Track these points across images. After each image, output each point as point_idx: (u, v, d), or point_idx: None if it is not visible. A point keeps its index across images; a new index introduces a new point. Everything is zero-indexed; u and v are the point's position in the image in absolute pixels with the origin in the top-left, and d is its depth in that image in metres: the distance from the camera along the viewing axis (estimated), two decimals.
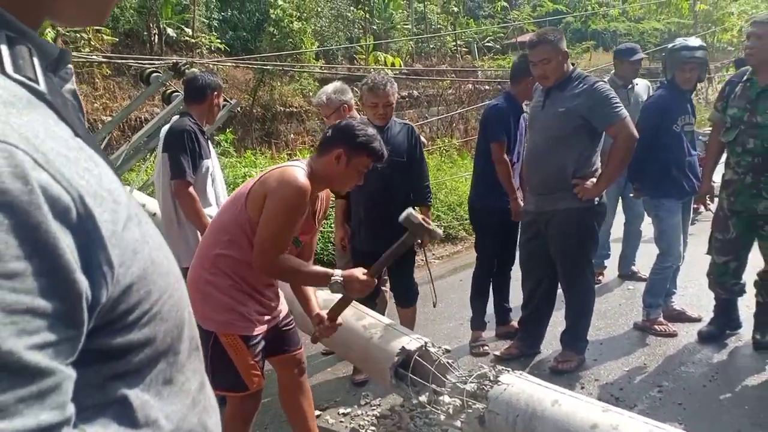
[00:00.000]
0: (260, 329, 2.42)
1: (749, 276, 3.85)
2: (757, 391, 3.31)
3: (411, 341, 3.02)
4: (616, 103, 3.41)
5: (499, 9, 20.15)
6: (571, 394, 2.42)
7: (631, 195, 4.59)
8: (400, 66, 12.99)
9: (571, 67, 3.57)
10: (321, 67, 11.35)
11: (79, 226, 0.48)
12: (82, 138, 0.55)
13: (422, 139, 3.74)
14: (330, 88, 3.86)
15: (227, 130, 8.72)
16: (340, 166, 2.38)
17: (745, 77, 3.61)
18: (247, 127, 9.97)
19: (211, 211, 3.34)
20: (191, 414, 0.58)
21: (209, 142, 3.52)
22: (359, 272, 2.42)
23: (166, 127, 3.54)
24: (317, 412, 3.30)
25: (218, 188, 3.56)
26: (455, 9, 17.10)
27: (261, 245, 2.28)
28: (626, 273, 5.32)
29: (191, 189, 3.25)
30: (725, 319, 3.97)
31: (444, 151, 10.61)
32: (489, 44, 19.35)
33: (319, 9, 11.80)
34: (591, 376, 3.61)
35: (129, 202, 0.55)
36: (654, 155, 3.98)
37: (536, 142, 3.66)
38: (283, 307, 2.63)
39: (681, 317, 4.30)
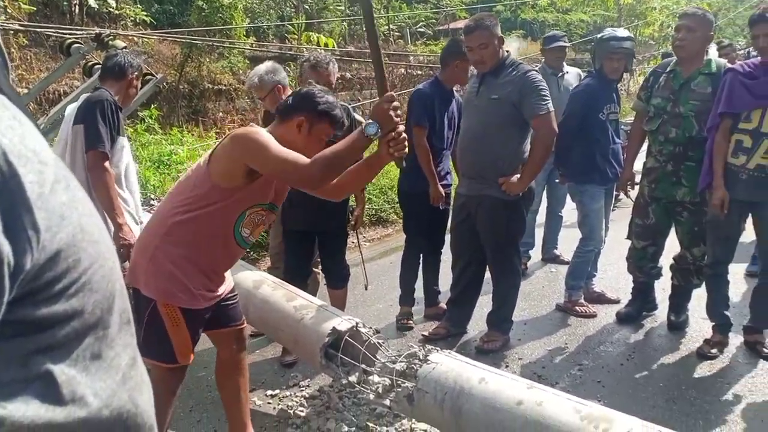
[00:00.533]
0: (203, 305, 2.36)
1: (665, 261, 4.05)
2: (671, 369, 3.50)
3: (342, 322, 3.01)
4: (544, 95, 3.46)
5: None
6: (497, 372, 2.48)
7: (557, 181, 4.73)
8: (333, 47, 12.84)
9: (505, 53, 3.62)
10: (252, 44, 11.08)
11: (2, 185, 0.44)
12: (6, 95, 0.50)
13: (358, 117, 3.71)
14: (262, 68, 3.76)
15: (152, 106, 8.39)
16: (302, 134, 2.34)
17: (669, 68, 3.75)
18: (173, 104, 9.63)
19: (125, 195, 3.25)
20: (121, 390, 0.54)
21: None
22: (384, 102, 2.16)
23: (73, 105, 3.36)
24: None
25: (130, 172, 3.40)
26: None
27: (285, 172, 2.19)
28: (549, 256, 5.50)
29: (107, 163, 3.10)
30: (642, 301, 4.17)
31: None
32: (421, 29, 19.43)
33: None
34: (515, 355, 3.72)
35: (56, 164, 0.50)
36: (579, 142, 4.11)
37: (470, 128, 3.69)
38: (228, 283, 2.57)
39: (600, 299, 4.49)
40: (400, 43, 16.94)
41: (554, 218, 5.44)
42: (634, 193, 4.12)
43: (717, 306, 3.70)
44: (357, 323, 3.03)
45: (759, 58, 3.43)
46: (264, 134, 2.23)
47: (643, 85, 3.98)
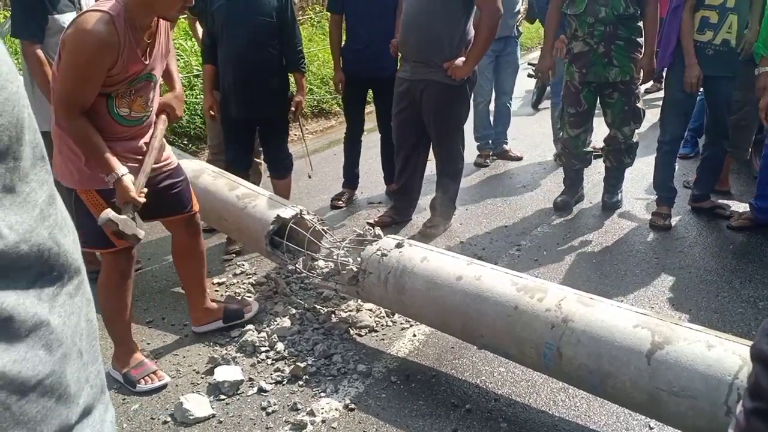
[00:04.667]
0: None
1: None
2: (605, 246, 3.67)
3: (286, 209, 3.02)
4: None
5: None
6: (439, 251, 2.56)
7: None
8: None
9: None
10: None
11: None
12: None
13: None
14: None
15: None
16: None
17: None
18: None
19: None
20: (41, 227, 0.51)
21: None
22: (131, 186, 2.22)
23: None
24: None
25: None
26: None
27: (55, 99, 2.14)
28: (499, 152, 5.36)
29: (38, 51, 2.90)
30: (576, 188, 4.29)
31: (316, 22, 10.17)
32: None
33: None
34: (456, 238, 3.83)
35: None
36: None
37: (412, 10, 3.57)
38: (168, 167, 2.51)
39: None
40: None
41: (503, 110, 5.32)
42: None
43: (666, 180, 3.92)
44: (301, 210, 3.04)
45: None
46: (83, 52, 2.07)
47: None
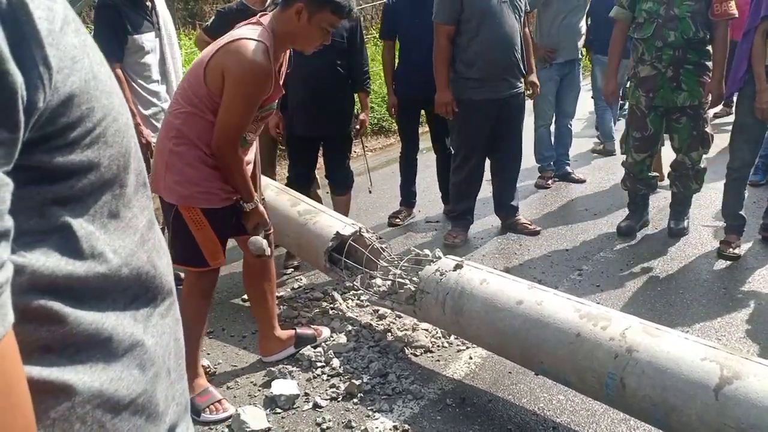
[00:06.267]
0: (224, 204, 2.35)
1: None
2: (670, 274, 3.55)
3: (345, 227, 3.05)
4: None
5: None
6: (498, 274, 2.53)
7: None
8: None
9: None
10: None
11: (10, 15, 0.42)
12: None
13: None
14: None
15: None
16: (302, 22, 2.24)
17: None
18: (169, 6, 9.29)
19: (157, 88, 3.23)
20: (140, 251, 0.55)
21: (152, 12, 3.19)
22: (264, 211, 2.44)
23: None
24: None
25: (167, 63, 3.30)
26: None
27: (222, 129, 2.20)
28: (562, 173, 5.26)
29: (118, 70, 3.02)
30: (642, 213, 4.17)
31: (378, 41, 10.30)
32: None
33: None
34: (516, 260, 3.78)
35: (65, 5, 0.48)
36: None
37: (505, 31, 3.73)
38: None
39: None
40: None
41: (565, 131, 5.23)
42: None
43: (736, 208, 3.77)
44: (360, 228, 3.07)
45: None
46: (251, 83, 2.16)
47: None
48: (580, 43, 5.00)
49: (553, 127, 5.20)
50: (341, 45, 3.46)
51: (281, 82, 2.39)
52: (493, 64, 3.73)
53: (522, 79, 3.93)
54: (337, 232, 3.01)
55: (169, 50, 3.31)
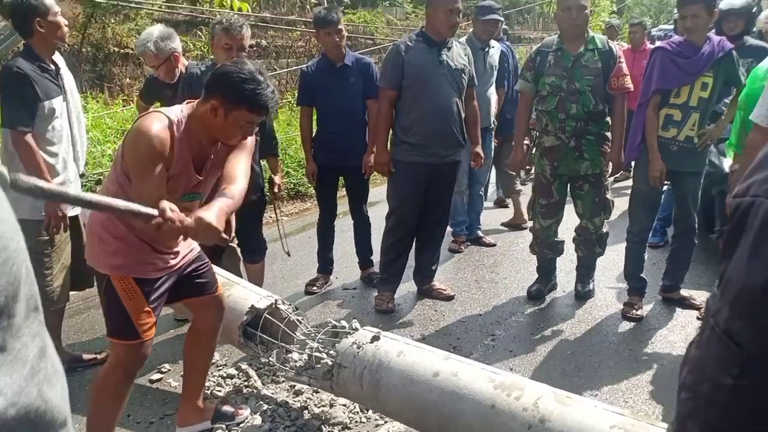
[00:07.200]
0: (155, 275, 2.31)
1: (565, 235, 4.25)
2: (578, 337, 3.68)
3: (260, 299, 2.98)
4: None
5: None
6: (415, 345, 2.54)
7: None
8: (248, 11, 12.40)
9: None
10: (161, 6, 10.53)
11: None
12: None
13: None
14: (155, 33, 3.56)
15: None
16: (218, 119, 2.17)
17: (554, 47, 3.87)
18: (76, 68, 9.03)
19: (64, 154, 3.08)
20: (30, 386, 0.50)
21: (57, 75, 3.07)
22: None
23: None
24: (158, 376, 3.18)
25: (66, 127, 3.14)
26: None
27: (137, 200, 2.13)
28: (474, 237, 5.41)
29: (28, 138, 2.89)
30: (549, 277, 4.34)
31: (294, 106, 10.40)
32: None
33: None
34: (432, 327, 3.81)
35: None
36: None
37: (445, 102, 3.84)
38: (189, 253, 2.50)
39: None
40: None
41: (476, 198, 5.42)
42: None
43: (637, 270, 3.99)
44: (276, 300, 3.01)
45: (679, 37, 3.75)
46: (142, 154, 2.10)
47: (527, 65, 4.01)
48: (492, 111, 5.15)
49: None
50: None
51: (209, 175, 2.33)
52: (429, 132, 3.83)
53: (459, 149, 4.00)
54: (252, 305, 2.93)
55: (75, 114, 3.21)
